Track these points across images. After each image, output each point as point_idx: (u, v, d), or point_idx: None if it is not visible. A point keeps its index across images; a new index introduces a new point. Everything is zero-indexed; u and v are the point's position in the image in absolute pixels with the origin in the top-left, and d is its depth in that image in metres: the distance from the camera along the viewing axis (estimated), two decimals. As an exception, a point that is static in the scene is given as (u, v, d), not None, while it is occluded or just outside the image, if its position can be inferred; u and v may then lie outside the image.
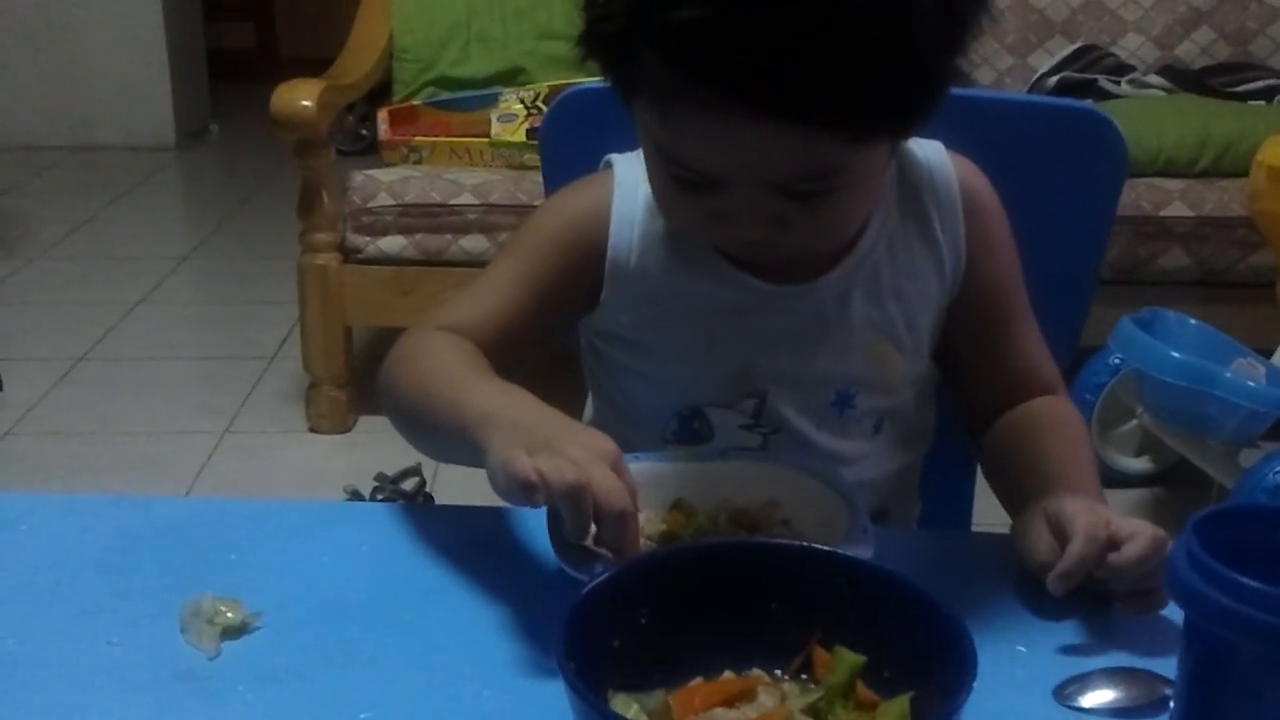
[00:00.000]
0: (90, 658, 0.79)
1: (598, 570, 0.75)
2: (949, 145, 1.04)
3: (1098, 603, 0.84)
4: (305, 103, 2.61)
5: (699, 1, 0.77)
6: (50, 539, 0.92)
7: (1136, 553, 0.81)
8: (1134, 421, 2.59)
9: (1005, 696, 0.75)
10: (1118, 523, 0.83)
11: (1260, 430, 2.32)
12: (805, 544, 0.78)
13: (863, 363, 1.02)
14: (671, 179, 0.89)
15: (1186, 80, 3.05)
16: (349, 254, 2.76)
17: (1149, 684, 0.74)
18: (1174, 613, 0.64)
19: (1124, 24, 3.23)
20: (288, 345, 3.19)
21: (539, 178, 1.23)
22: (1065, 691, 0.75)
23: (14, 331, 3.28)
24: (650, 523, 0.88)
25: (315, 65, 3.01)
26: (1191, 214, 2.68)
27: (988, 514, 1.18)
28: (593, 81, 1.26)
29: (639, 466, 0.85)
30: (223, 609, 0.81)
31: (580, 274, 1.01)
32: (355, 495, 2.36)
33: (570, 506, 0.75)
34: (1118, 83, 3.04)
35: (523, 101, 2.95)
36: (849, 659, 0.68)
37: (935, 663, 0.66)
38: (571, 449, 0.77)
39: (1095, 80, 3.05)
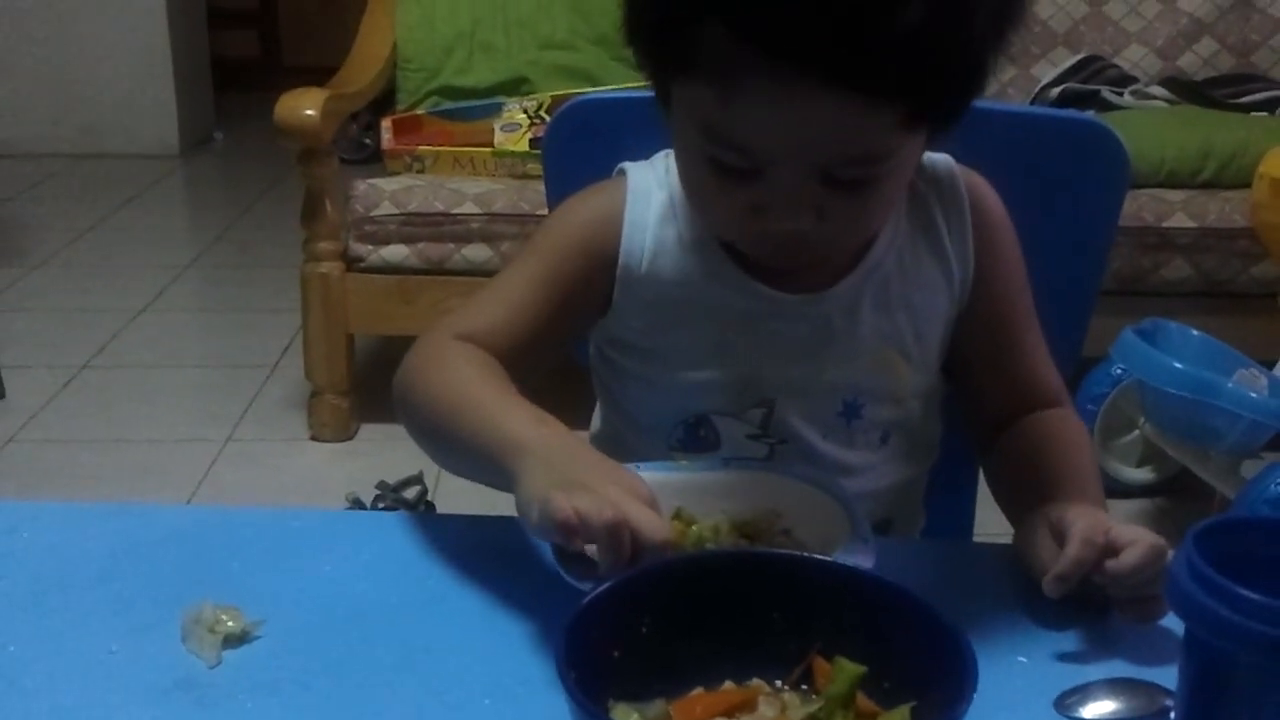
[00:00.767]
0: (91, 665, 0.79)
1: (598, 580, 0.75)
2: (952, 155, 1.04)
3: (1098, 613, 0.85)
4: (309, 112, 2.61)
5: None
6: (51, 547, 0.92)
7: (1134, 560, 0.81)
8: (1136, 432, 2.59)
9: (1006, 707, 0.75)
10: (1117, 529, 0.84)
11: (1262, 441, 2.32)
12: (806, 554, 0.78)
13: (871, 373, 1.02)
14: (712, 167, 0.88)
15: (1189, 91, 3.05)
16: (352, 262, 2.77)
17: (1150, 695, 0.74)
18: (1174, 623, 0.64)
19: (1127, 35, 3.23)
20: (290, 353, 3.19)
21: (542, 187, 1.23)
22: (1066, 702, 0.75)
23: (17, 338, 3.29)
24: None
25: (319, 74, 3.02)
26: (1194, 225, 2.68)
27: (989, 524, 1.18)
28: (596, 92, 1.27)
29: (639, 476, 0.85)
30: (223, 617, 0.81)
31: (593, 279, 1.01)
32: (357, 503, 2.36)
33: (609, 544, 0.76)
34: (1120, 94, 3.05)
35: (526, 111, 2.95)
36: (849, 669, 0.68)
37: (936, 673, 0.66)
38: (606, 487, 0.78)
39: (1098, 91, 3.05)
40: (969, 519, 1.27)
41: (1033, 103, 3.08)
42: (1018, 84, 3.21)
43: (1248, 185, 2.51)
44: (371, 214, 2.73)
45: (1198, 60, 3.20)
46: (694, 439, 1.03)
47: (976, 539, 1.26)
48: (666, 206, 1.00)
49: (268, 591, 0.86)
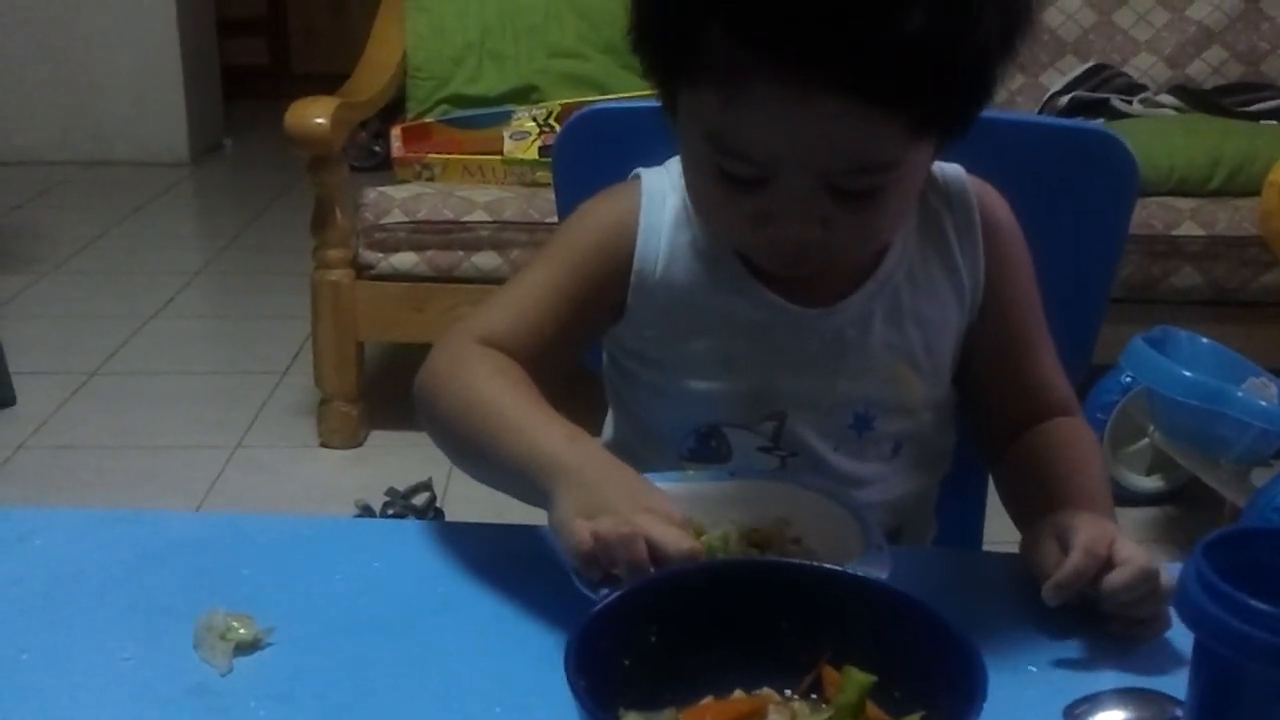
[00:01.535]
0: (104, 672, 0.79)
1: (610, 588, 0.75)
2: (962, 164, 1.04)
3: (1101, 623, 0.85)
4: (319, 120, 2.62)
5: None
6: (64, 554, 0.93)
7: (1121, 580, 0.82)
8: (1145, 440, 2.58)
9: (1016, 716, 0.75)
10: (1120, 544, 0.84)
11: (1272, 449, 2.31)
12: (815, 563, 0.79)
13: (881, 386, 1.02)
14: (718, 175, 0.88)
15: (1198, 100, 3.05)
16: (361, 270, 2.78)
17: (1160, 704, 0.74)
18: (1184, 633, 0.64)
19: (1136, 43, 3.23)
20: (300, 360, 3.20)
21: (551, 195, 1.23)
22: (1076, 711, 0.75)
23: (28, 345, 3.29)
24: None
25: (328, 81, 3.03)
26: (1203, 233, 2.68)
27: (998, 533, 1.18)
28: (605, 101, 1.27)
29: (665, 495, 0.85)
30: (235, 625, 0.82)
31: (609, 281, 1.01)
32: (366, 510, 2.37)
33: (627, 560, 0.76)
34: (1129, 102, 3.05)
35: (535, 119, 2.96)
36: (859, 678, 0.68)
37: (945, 682, 0.66)
38: (633, 513, 0.78)
39: (1107, 99, 3.05)
40: (978, 528, 1.27)
41: (1041, 111, 3.08)
42: (1026, 92, 3.21)
43: (1257, 193, 2.51)
44: (381, 221, 2.74)
45: (1207, 68, 3.20)
46: (705, 449, 1.03)
47: (986, 548, 1.26)
48: (680, 212, 1.00)
49: (279, 599, 0.86)
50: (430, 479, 2.48)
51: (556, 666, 0.65)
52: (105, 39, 4.95)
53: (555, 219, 1.22)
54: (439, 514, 2.40)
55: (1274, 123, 2.97)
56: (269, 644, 0.82)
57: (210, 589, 0.87)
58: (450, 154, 2.96)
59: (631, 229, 1.01)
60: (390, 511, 2.40)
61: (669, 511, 0.80)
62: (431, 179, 2.92)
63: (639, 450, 1.06)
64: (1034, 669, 0.81)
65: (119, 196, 4.65)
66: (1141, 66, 3.20)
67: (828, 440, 1.02)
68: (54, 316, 3.57)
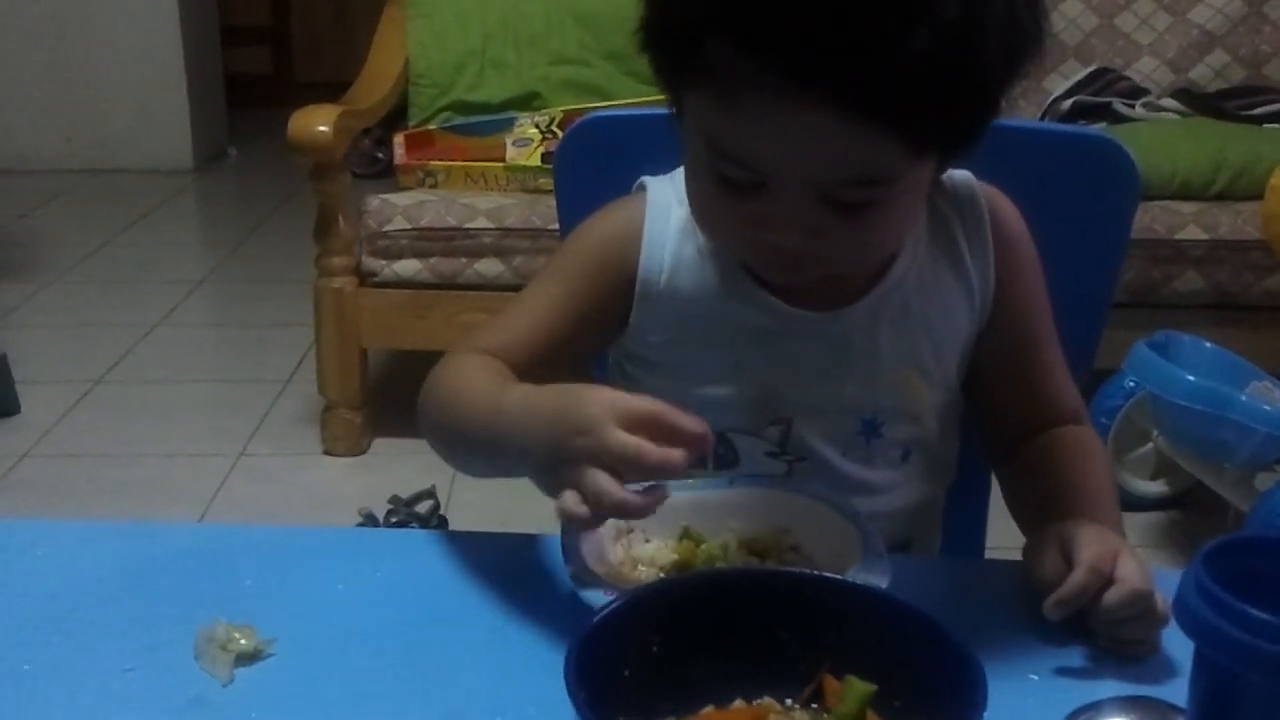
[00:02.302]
0: (105, 683, 0.79)
1: (611, 597, 0.75)
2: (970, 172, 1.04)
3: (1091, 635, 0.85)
4: (322, 128, 2.62)
5: None
6: (65, 565, 0.93)
7: (1112, 600, 0.82)
8: (1149, 445, 2.58)
9: (1017, 725, 0.75)
10: (1122, 560, 0.84)
11: (1276, 454, 2.31)
12: (815, 572, 0.79)
13: (890, 392, 1.02)
14: (716, 179, 0.88)
15: (1201, 103, 3.05)
16: (364, 277, 2.78)
17: (1161, 712, 0.74)
18: (1184, 641, 0.64)
19: (1138, 47, 3.23)
20: (303, 368, 3.20)
21: (554, 202, 1.24)
22: (1077, 720, 0.75)
23: (32, 354, 3.30)
24: (661, 552, 0.89)
25: (330, 89, 3.04)
26: (1206, 237, 2.68)
27: (1000, 540, 1.18)
28: (607, 108, 1.28)
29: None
30: (236, 635, 0.82)
31: (613, 296, 1.01)
32: (369, 518, 2.37)
33: (602, 501, 0.76)
34: (1132, 106, 3.05)
35: (537, 126, 2.96)
36: (859, 688, 0.68)
37: (946, 691, 0.66)
38: (577, 440, 0.77)
39: (1109, 103, 3.05)
40: (981, 535, 1.27)
41: (1044, 115, 3.08)
42: (1029, 96, 3.21)
43: (1260, 197, 2.50)
44: (384, 229, 2.75)
45: (1209, 72, 3.20)
46: (712, 456, 1.03)
47: (989, 554, 1.26)
48: (686, 222, 1.00)
49: (281, 609, 0.86)
50: (434, 486, 2.48)
51: (558, 677, 0.65)
52: (109, 48, 4.96)
53: (558, 225, 1.22)
54: (443, 521, 2.41)
55: (1276, 126, 2.97)
56: (270, 655, 0.82)
57: (212, 600, 0.87)
58: (453, 161, 2.96)
59: (635, 241, 1.01)
60: (394, 519, 2.40)
61: (609, 411, 0.77)
62: (434, 186, 2.92)
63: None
64: (1035, 677, 0.81)
65: (123, 205, 4.66)
66: (1144, 70, 3.20)
67: (835, 446, 1.02)
68: (58, 325, 3.58)
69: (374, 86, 3.08)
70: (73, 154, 5.05)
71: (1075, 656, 0.83)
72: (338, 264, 2.75)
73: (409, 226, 2.74)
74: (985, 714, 0.63)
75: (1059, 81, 3.18)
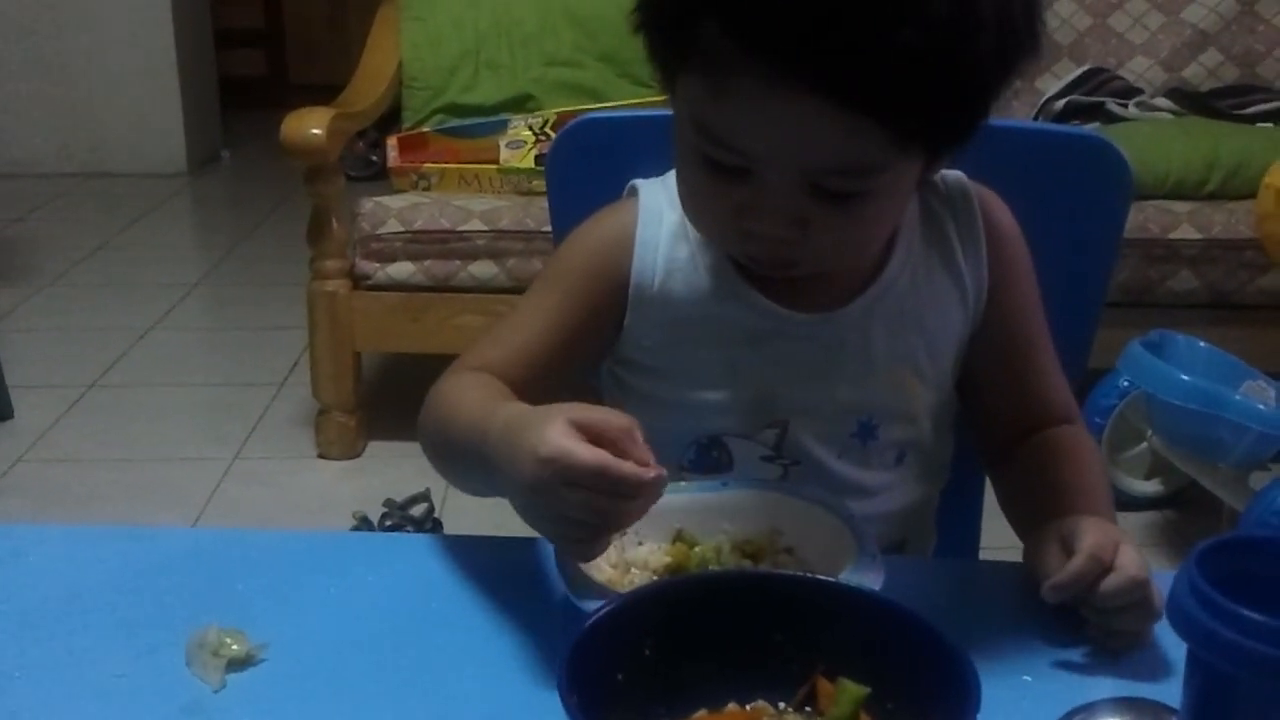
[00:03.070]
0: (97, 689, 0.79)
1: (604, 601, 0.75)
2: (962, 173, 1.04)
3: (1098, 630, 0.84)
4: (315, 131, 2.62)
5: None
6: (57, 570, 0.92)
7: (1110, 586, 0.82)
8: (1144, 444, 2.58)
9: (1011, 727, 0.75)
10: (1123, 550, 0.84)
11: (1270, 453, 2.31)
12: (808, 574, 0.79)
13: (884, 393, 1.01)
14: (704, 165, 0.89)
15: (1194, 103, 3.05)
16: (358, 280, 2.78)
17: (1155, 713, 0.74)
18: (1178, 642, 0.64)
19: (1131, 47, 3.23)
20: (297, 371, 3.20)
21: (547, 204, 1.23)
22: (1071, 721, 0.75)
23: (25, 358, 3.29)
24: (654, 555, 0.89)
25: (325, 92, 3.03)
26: (1200, 236, 2.68)
27: (994, 541, 1.18)
28: (600, 110, 1.28)
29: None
30: (228, 641, 0.82)
31: (607, 304, 1.01)
32: (364, 521, 2.37)
33: (579, 513, 0.77)
34: (1125, 105, 3.05)
35: (531, 128, 2.96)
36: (852, 691, 0.68)
37: (939, 694, 0.66)
38: (536, 469, 0.77)
39: (1103, 103, 3.05)
40: (975, 536, 1.27)
41: (1037, 115, 3.08)
42: (1022, 96, 3.20)
43: (1253, 196, 2.51)
44: (378, 231, 2.74)
45: (1202, 71, 3.20)
46: (706, 460, 1.03)
47: (982, 555, 1.25)
48: (678, 225, 1.00)
49: (272, 614, 0.86)
50: (428, 490, 2.48)
51: (551, 679, 0.65)
52: (103, 51, 4.95)
53: (551, 227, 1.22)
54: (437, 525, 2.40)
55: (1270, 125, 2.98)
56: (262, 660, 0.82)
57: (203, 605, 0.87)
58: (446, 163, 2.96)
59: (627, 247, 1.01)
60: (388, 522, 2.40)
61: (576, 418, 0.77)
62: (428, 188, 2.92)
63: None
64: (1029, 678, 0.81)
65: (117, 208, 4.66)
66: (1137, 70, 3.21)
67: (831, 448, 1.02)
68: (52, 329, 3.57)
69: (368, 89, 3.08)
70: (67, 158, 5.04)
71: (1069, 658, 0.83)
72: (331, 267, 2.75)
73: (403, 229, 2.74)
74: (979, 715, 0.63)
75: (1052, 81, 3.18)
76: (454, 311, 2.75)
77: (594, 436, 0.76)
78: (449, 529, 2.33)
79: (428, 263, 2.75)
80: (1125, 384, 2.51)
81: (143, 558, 0.94)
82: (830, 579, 0.77)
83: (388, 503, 2.47)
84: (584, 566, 0.83)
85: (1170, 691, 0.75)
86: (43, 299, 3.80)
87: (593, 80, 3.15)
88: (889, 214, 0.92)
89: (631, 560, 0.88)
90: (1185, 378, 2.27)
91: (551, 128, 2.92)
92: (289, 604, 0.88)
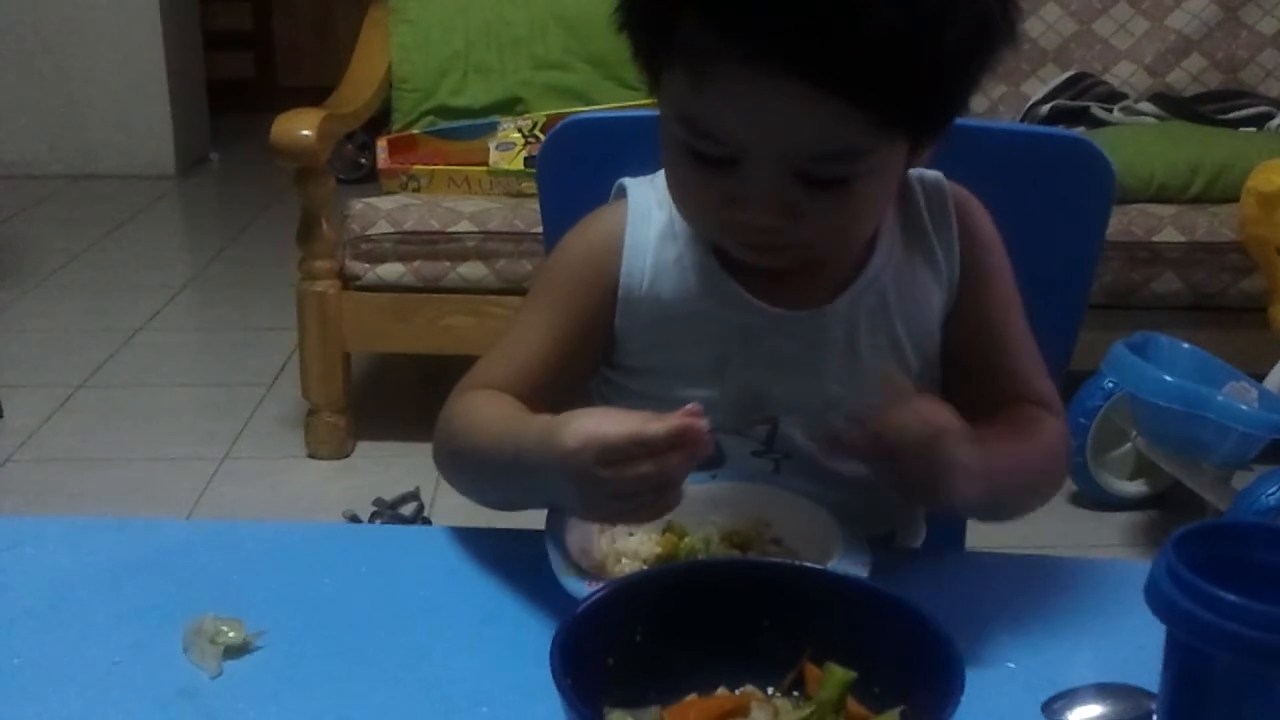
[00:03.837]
0: (95, 676, 0.80)
1: (596, 587, 0.76)
2: (942, 173, 1.06)
3: (1086, 618, 0.86)
4: (305, 132, 2.63)
5: None
6: (54, 561, 0.94)
7: (898, 419, 0.84)
8: (1128, 445, 2.60)
9: (995, 711, 0.76)
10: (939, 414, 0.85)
11: (1253, 453, 2.33)
12: (795, 562, 0.80)
13: (872, 387, 1.02)
14: (691, 157, 0.90)
15: (1178, 107, 3.07)
16: (348, 281, 2.78)
17: (1135, 699, 0.76)
18: (1157, 630, 0.65)
19: (1116, 52, 3.26)
20: (287, 372, 3.20)
21: (536, 205, 1.25)
22: (1054, 707, 0.76)
23: (14, 359, 3.30)
24: (644, 545, 0.90)
25: (313, 94, 3.04)
26: (1184, 239, 2.70)
27: (982, 542, 1.20)
28: (589, 111, 1.29)
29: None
30: (224, 629, 0.83)
31: (602, 309, 1.02)
32: (354, 520, 2.37)
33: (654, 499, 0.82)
34: (1110, 110, 3.07)
35: (520, 130, 2.97)
36: (839, 675, 0.70)
37: (923, 677, 0.68)
38: (571, 461, 0.81)
39: (1088, 108, 3.08)
40: (960, 529, 1.28)
41: (1023, 119, 3.10)
42: (1008, 101, 3.23)
43: (1236, 199, 2.53)
44: (367, 233, 2.75)
45: (1186, 76, 3.22)
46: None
47: (968, 550, 1.27)
48: (666, 226, 1.01)
49: (268, 604, 0.87)
50: (418, 489, 2.49)
51: (543, 666, 0.66)
52: (91, 53, 4.95)
53: (540, 229, 1.23)
54: (427, 524, 2.41)
55: (1252, 130, 3.00)
56: (258, 647, 0.83)
57: (200, 594, 0.88)
58: (436, 165, 2.97)
59: (616, 250, 1.02)
60: (378, 521, 2.41)
61: (589, 447, 0.81)
62: (417, 190, 2.93)
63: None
64: (1013, 665, 0.82)
65: (105, 210, 4.65)
66: (1122, 75, 3.23)
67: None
68: (40, 330, 3.57)
69: (357, 91, 3.09)
70: (55, 159, 5.04)
71: (1052, 646, 0.85)
72: (321, 268, 2.76)
73: (392, 230, 2.75)
74: (962, 700, 0.65)
75: (1037, 86, 3.20)
76: (443, 312, 2.76)
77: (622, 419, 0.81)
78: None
79: (417, 263, 2.76)
80: (1110, 385, 2.53)
81: (138, 549, 0.95)
82: (818, 566, 0.78)
83: (377, 501, 2.48)
84: (574, 556, 0.84)
85: (1149, 678, 0.76)
86: (31, 300, 3.80)
87: (581, 83, 3.16)
88: (875, 201, 0.94)
89: (622, 550, 0.89)
90: (1169, 379, 2.29)
91: (540, 130, 2.94)
92: (284, 593, 0.89)
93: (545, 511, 0.90)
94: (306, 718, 0.77)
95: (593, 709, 0.66)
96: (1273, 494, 2.16)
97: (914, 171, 1.03)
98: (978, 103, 3.22)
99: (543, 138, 2.66)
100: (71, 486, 2.69)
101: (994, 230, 1.06)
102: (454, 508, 2.47)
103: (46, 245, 4.27)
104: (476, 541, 0.97)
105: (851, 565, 0.82)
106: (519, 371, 1.00)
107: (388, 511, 2.45)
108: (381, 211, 2.77)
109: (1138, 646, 0.83)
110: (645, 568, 0.87)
